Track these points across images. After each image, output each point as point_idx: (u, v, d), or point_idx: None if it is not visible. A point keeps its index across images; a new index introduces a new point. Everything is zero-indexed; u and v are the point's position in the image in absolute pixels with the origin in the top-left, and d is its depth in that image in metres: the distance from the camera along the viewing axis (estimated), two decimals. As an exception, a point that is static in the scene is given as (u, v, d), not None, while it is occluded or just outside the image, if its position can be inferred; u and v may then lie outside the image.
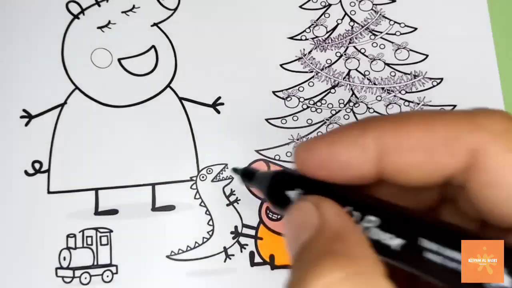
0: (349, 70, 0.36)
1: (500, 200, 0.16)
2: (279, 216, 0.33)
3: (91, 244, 0.32)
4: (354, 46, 0.36)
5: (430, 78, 0.35)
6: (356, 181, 0.18)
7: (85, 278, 0.31)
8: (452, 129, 0.16)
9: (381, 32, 0.36)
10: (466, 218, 0.19)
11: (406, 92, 0.35)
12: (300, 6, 0.36)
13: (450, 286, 0.15)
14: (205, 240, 0.32)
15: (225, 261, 0.32)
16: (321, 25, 0.36)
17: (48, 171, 0.33)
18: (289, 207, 0.21)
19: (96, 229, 0.32)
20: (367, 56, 0.36)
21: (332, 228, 0.16)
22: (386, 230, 0.17)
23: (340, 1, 0.37)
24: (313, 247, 0.16)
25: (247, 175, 0.27)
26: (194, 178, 0.33)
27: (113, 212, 0.32)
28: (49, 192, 0.33)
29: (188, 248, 0.32)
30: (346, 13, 0.36)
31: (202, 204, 0.33)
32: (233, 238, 0.32)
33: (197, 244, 0.32)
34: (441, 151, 0.16)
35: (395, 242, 0.16)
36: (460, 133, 0.16)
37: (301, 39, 0.36)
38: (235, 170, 0.29)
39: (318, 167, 0.18)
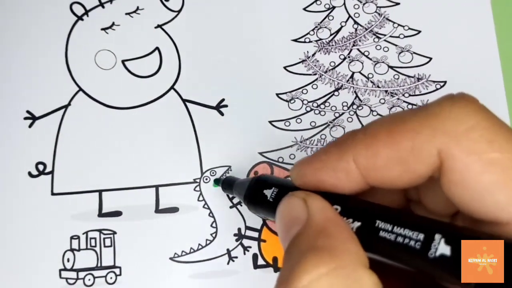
0: (353, 73, 0.36)
1: (466, 198, 0.17)
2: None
3: (95, 246, 0.32)
4: (358, 49, 0.36)
5: (434, 81, 0.35)
6: (350, 193, 0.19)
7: (89, 279, 0.31)
8: (415, 138, 0.17)
9: (385, 35, 0.36)
10: (434, 215, 0.20)
11: (410, 95, 0.35)
12: (304, 9, 0.36)
13: (402, 263, 0.17)
14: (208, 242, 0.32)
15: (228, 263, 0.32)
16: (325, 27, 0.36)
17: (52, 172, 0.33)
18: (265, 205, 0.23)
19: (100, 230, 0.32)
20: (370, 59, 0.36)
21: (318, 222, 0.17)
22: (346, 216, 0.18)
23: (344, 4, 0.37)
24: (300, 243, 0.17)
25: (228, 184, 0.30)
26: (198, 180, 0.33)
27: (117, 214, 0.32)
28: (52, 194, 0.33)
29: (192, 250, 0.32)
30: (350, 16, 0.36)
31: (206, 206, 0.33)
32: (236, 240, 0.33)
33: (200, 246, 0.32)
34: (411, 160, 0.17)
35: (353, 225, 0.18)
36: (423, 141, 0.17)
37: (305, 42, 0.36)
38: (216, 181, 0.32)
39: (313, 188, 0.20)
